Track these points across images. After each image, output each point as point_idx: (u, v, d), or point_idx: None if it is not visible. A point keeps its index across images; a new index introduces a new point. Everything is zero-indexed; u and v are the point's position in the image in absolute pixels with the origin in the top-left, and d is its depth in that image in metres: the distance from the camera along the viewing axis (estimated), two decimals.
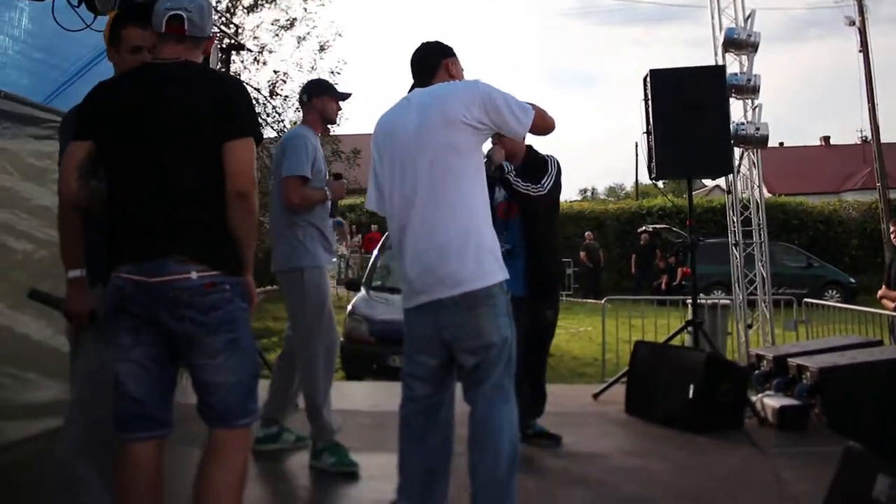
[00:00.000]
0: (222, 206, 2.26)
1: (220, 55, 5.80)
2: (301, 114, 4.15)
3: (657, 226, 16.67)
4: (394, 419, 2.77)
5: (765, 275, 6.53)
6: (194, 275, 2.19)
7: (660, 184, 5.83)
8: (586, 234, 19.03)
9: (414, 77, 2.89)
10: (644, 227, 17.25)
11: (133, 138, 2.28)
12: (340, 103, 4.05)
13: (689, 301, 5.49)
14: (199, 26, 2.38)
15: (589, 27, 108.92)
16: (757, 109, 6.02)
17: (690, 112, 4.92)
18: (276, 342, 10.82)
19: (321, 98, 3.97)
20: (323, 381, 3.79)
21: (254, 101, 2.39)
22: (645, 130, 5.20)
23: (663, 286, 16.07)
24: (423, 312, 2.59)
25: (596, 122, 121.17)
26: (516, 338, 2.65)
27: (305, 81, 4.82)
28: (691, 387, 4.48)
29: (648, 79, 5.17)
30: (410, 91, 2.87)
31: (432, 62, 2.85)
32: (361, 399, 5.64)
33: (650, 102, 5.16)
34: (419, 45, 2.96)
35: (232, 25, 6.45)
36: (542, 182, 4.04)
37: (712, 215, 17.42)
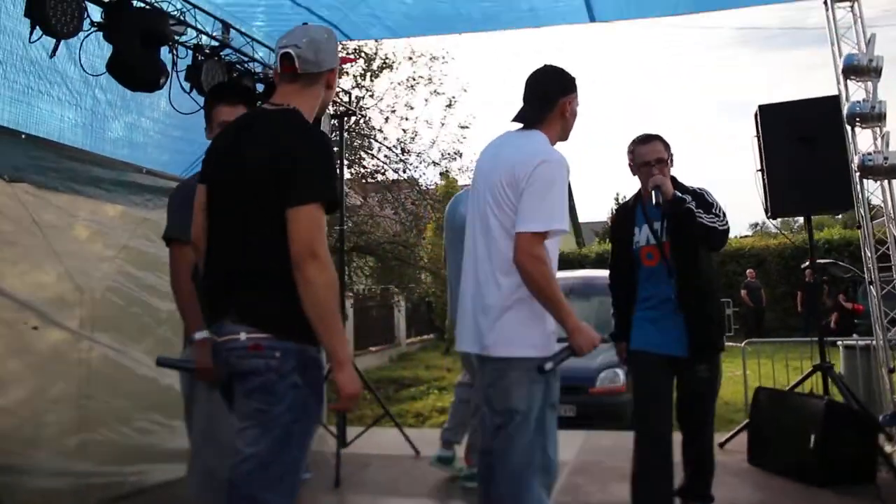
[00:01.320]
0: (289, 267, 2.04)
1: (332, 122, 6.25)
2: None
3: (823, 261, 15.53)
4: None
5: None
6: (242, 336, 2.07)
7: (776, 222, 5.55)
8: (747, 271, 18.10)
9: (524, 100, 2.66)
10: (807, 263, 16.11)
11: (214, 185, 2.25)
12: None
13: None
14: (313, 62, 2.22)
15: (754, 54, 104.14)
16: (884, 138, 5.60)
17: (805, 146, 4.71)
18: (422, 391, 11.23)
19: None
20: None
21: (329, 162, 2.13)
22: (758, 168, 5.04)
23: (833, 325, 14.88)
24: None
25: None
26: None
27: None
28: (812, 437, 4.24)
29: (758, 115, 5.02)
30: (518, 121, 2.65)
31: (551, 96, 2.62)
32: None
33: (761, 139, 5.01)
34: (543, 66, 2.70)
35: (344, 93, 6.94)
36: (719, 214, 3.37)
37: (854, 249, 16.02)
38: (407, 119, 11.71)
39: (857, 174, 4.83)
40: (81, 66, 3.67)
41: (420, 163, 11.81)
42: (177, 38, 3.90)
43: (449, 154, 12.00)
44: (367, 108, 11.18)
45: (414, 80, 11.32)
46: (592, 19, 5.86)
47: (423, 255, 12.81)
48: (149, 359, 4.39)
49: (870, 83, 5.91)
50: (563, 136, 2.71)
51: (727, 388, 10.26)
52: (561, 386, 2.87)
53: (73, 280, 4.21)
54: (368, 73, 10.92)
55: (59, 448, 4.04)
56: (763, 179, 5.04)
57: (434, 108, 12.22)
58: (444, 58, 11.72)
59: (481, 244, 2.59)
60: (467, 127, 12.05)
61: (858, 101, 5.93)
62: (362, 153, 11.58)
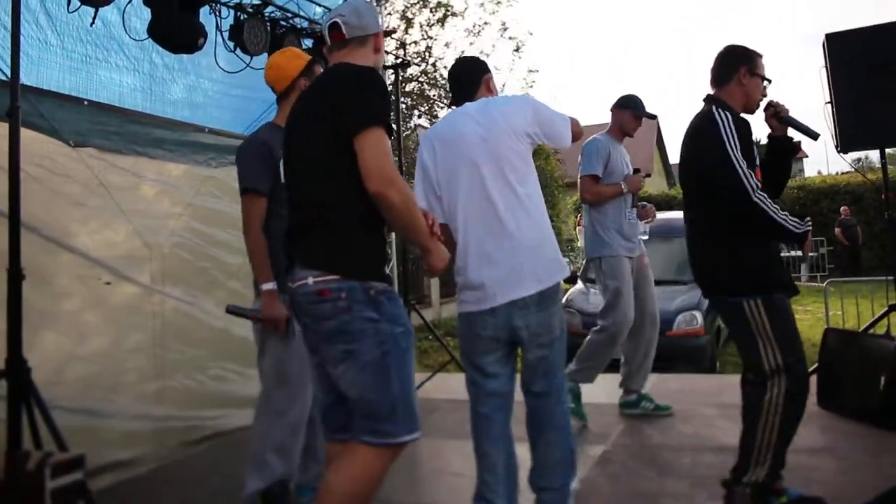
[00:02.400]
0: (353, 207, 2.17)
1: (388, 73, 6.24)
2: None
3: None
4: None
5: None
6: (311, 280, 2.15)
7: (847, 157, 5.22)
8: (841, 209, 17.22)
9: (454, 92, 3.07)
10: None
11: (286, 147, 2.41)
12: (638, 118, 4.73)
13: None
14: (358, 26, 2.38)
15: None
16: None
17: (876, 75, 4.39)
18: None
19: (622, 111, 4.71)
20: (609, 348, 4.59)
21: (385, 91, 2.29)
22: (827, 101, 4.74)
23: None
24: (497, 314, 2.72)
25: None
26: None
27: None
28: (881, 379, 4.07)
29: (825, 44, 4.70)
30: (456, 105, 3.02)
31: (475, 78, 3.01)
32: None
33: (829, 70, 4.70)
34: (457, 60, 3.20)
35: (399, 46, 6.91)
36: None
37: None
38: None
39: None
40: (127, 31, 3.81)
41: None
42: None
43: None
44: (440, 59, 11.13)
45: (480, 26, 11.17)
46: None
47: None
48: (220, 311, 4.52)
49: None
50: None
51: (814, 330, 9.93)
52: None
53: (142, 237, 4.44)
54: (437, 21, 10.81)
55: (138, 393, 4.32)
56: (832, 112, 4.75)
57: (501, 53, 12.01)
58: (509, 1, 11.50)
59: (499, 204, 2.80)
60: (536, 71, 11.81)
61: None
62: (437, 104, 11.55)
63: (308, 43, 4.82)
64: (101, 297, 4.19)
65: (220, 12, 4.11)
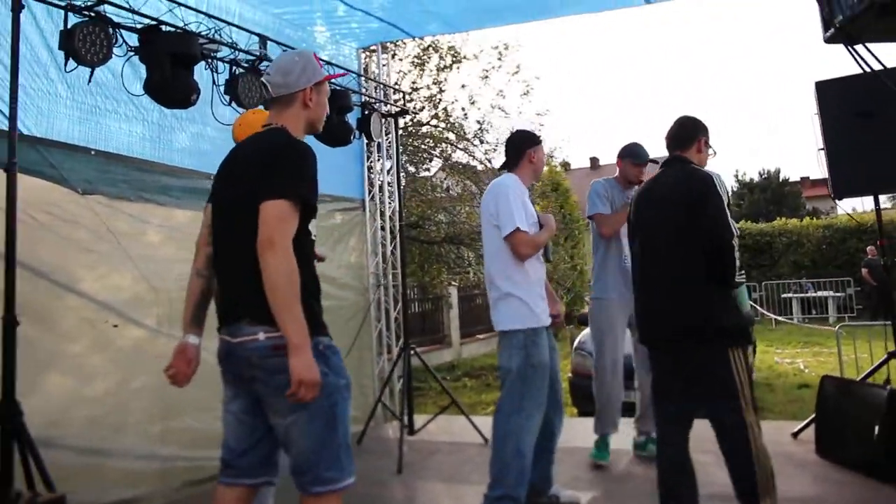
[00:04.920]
0: None
1: (382, 122, 6.43)
2: None
3: None
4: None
5: None
6: (262, 336, 2.23)
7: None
8: (868, 248, 16.94)
9: (506, 155, 3.87)
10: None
11: (215, 204, 2.51)
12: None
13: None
14: (282, 84, 2.43)
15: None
16: None
17: (864, 122, 4.42)
18: None
19: (622, 161, 4.87)
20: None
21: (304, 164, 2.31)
22: (819, 147, 4.77)
23: None
24: None
25: None
26: None
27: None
28: (875, 428, 4.02)
29: (815, 92, 4.75)
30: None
31: (520, 149, 3.84)
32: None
33: (820, 116, 4.74)
34: (514, 131, 3.98)
35: (398, 93, 7.09)
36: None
37: None
38: (480, 109, 11.85)
39: None
40: (125, 87, 4.03)
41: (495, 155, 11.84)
42: (214, 55, 4.17)
43: None
44: (451, 103, 11.34)
45: (487, 71, 11.41)
46: (647, 1, 5.74)
47: None
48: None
49: None
50: None
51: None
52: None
53: (149, 282, 4.59)
54: (445, 68, 11.06)
55: (143, 434, 4.42)
56: (828, 159, 4.77)
57: (510, 97, 12.25)
58: (513, 47, 11.76)
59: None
60: (543, 114, 11.93)
61: None
62: (451, 146, 11.73)
63: None
64: (108, 340, 4.32)
65: (216, 68, 4.29)
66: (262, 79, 2.47)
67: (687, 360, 3.25)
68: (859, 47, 2.93)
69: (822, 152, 4.76)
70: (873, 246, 17.00)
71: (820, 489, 4.00)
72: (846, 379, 4.88)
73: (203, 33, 4.08)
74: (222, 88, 4.36)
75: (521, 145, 3.87)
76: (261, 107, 4.36)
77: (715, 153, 3.56)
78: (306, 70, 2.47)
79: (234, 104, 4.42)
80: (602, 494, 4.17)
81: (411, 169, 11.68)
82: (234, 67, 4.46)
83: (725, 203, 3.18)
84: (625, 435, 4.99)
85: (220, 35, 4.24)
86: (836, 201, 4.85)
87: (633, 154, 4.82)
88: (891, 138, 4.34)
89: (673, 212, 3.27)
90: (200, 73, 4.25)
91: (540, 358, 3.55)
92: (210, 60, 4.17)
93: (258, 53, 4.49)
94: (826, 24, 3.18)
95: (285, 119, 2.47)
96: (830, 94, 4.68)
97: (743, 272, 3.22)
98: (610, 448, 4.83)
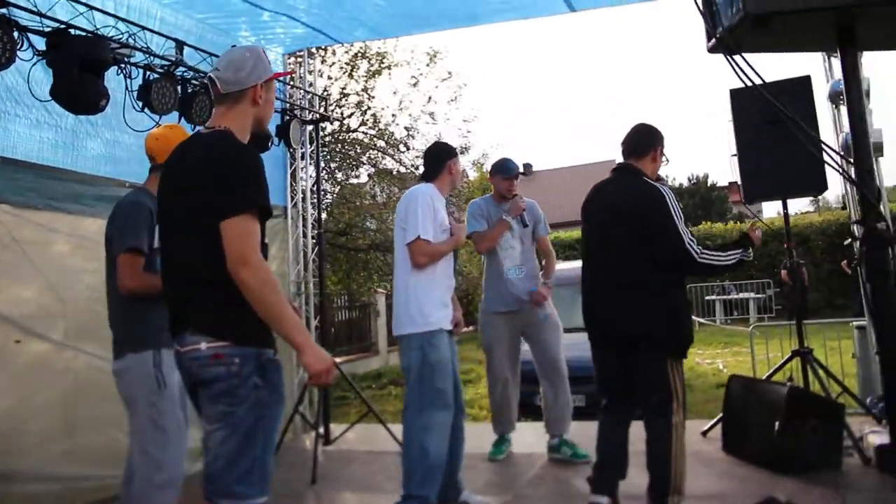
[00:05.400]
0: (233, 280, 2.18)
1: (302, 127, 6.41)
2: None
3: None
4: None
5: None
6: (203, 346, 2.23)
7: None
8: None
9: (425, 165, 3.97)
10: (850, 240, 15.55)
11: (161, 210, 2.43)
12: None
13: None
14: (233, 81, 2.37)
15: None
16: (869, 116, 5.41)
17: (775, 130, 4.59)
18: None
19: (492, 177, 5.09)
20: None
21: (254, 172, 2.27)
22: (732, 153, 4.96)
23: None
24: None
25: None
26: None
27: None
28: (776, 424, 4.20)
29: (730, 99, 4.94)
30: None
31: (441, 160, 3.92)
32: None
33: (734, 123, 4.92)
34: (434, 143, 4.25)
35: (320, 99, 7.07)
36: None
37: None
38: (410, 115, 11.95)
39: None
40: (31, 92, 3.89)
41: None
42: (127, 60, 4.08)
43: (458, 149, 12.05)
44: (381, 109, 11.36)
45: (416, 78, 11.48)
46: (571, 9, 5.86)
47: None
48: None
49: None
50: None
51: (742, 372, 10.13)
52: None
53: (56, 293, 4.43)
54: (374, 74, 11.06)
55: (45, 454, 4.24)
56: (740, 165, 4.96)
57: (440, 103, 12.21)
58: (441, 54, 11.90)
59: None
60: (471, 121, 12.06)
61: (840, 80, 5.76)
62: (380, 153, 11.73)
63: None
64: (9, 356, 4.14)
65: (129, 73, 4.20)
66: (210, 74, 2.39)
67: (629, 361, 3.43)
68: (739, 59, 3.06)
69: (735, 158, 4.94)
70: (790, 247, 17.73)
71: (724, 485, 4.14)
72: (751, 378, 5.07)
73: (116, 38, 3.97)
74: (135, 94, 4.25)
75: (442, 156, 3.97)
76: (176, 121, 4.30)
77: (668, 161, 3.65)
78: (257, 67, 2.42)
79: (146, 110, 4.32)
80: (513, 498, 4.23)
81: (341, 176, 11.64)
82: (147, 73, 4.36)
83: (679, 219, 3.32)
84: (540, 438, 5.12)
85: (134, 40, 4.14)
86: (746, 205, 5.04)
87: (502, 170, 5.05)
88: (798, 145, 4.53)
89: (624, 219, 3.41)
90: (117, 79, 4.15)
91: (438, 356, 3.64)
92: (123, 66, 4.07)
93: (173, 59, 4.40)
94: (708, 36, 3.31)
95: (233, 116, 2.40)
96: (743, 101, 4.85)
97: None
98: (511, 447, 5.15)
